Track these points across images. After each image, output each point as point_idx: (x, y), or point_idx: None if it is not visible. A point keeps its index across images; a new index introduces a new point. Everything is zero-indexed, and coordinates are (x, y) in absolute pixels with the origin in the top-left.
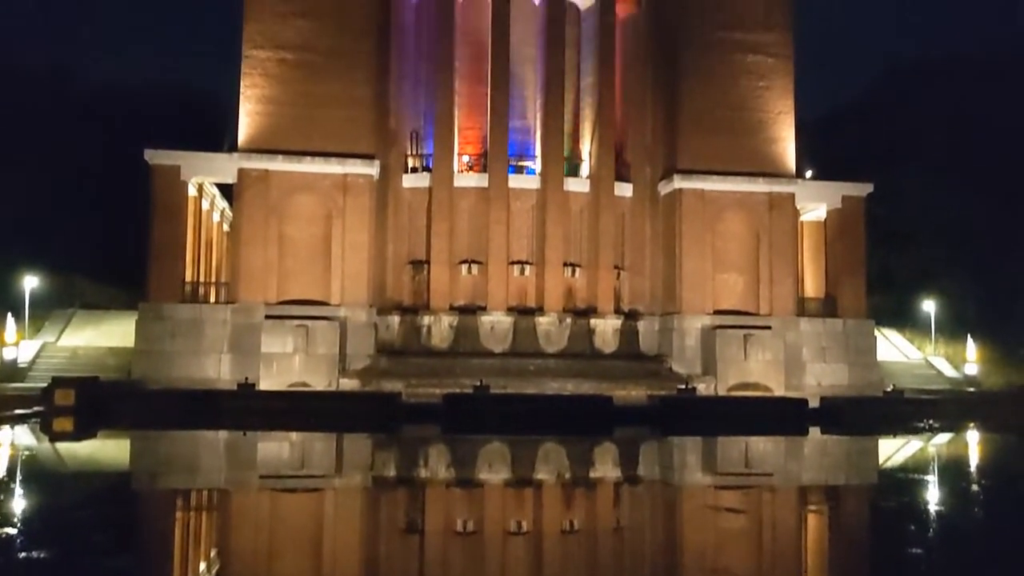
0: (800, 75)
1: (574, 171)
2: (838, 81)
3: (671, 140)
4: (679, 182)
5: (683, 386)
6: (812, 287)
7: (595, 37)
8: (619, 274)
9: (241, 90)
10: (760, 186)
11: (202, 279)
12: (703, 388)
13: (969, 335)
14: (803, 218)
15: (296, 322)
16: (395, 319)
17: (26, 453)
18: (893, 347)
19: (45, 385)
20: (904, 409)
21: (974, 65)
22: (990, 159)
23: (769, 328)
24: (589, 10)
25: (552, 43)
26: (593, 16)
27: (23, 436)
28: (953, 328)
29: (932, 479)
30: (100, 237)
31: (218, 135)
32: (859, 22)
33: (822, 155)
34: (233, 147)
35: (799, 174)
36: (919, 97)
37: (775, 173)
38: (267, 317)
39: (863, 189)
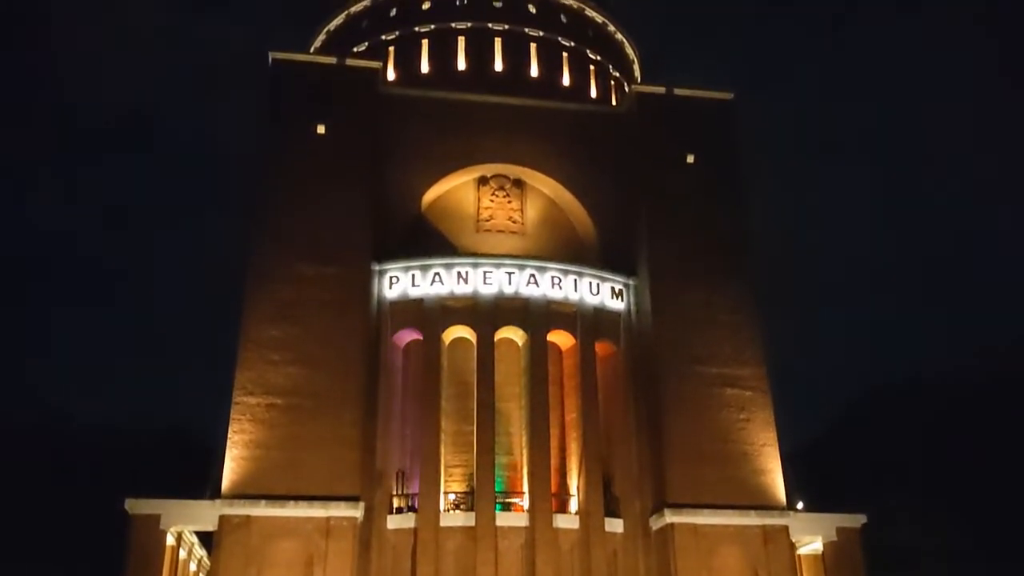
0: (780, 400)
1: (563, 507)
2: (818, 406)
3: (659, 472)
4: (670, 516)
5: None
6: None
7: (576, 374)
8: None
9: (228, 435)
10: (753, 519)
11: None
12: None
13: None
14: (800, 551)
15: None
16: None
17: None
18: None
19: None
20: None
21: (946, 390)
22: (976, 483)
23: None
24: (570, 350)
25: (535, 382)
26: (574, 355)
27: None
28: None
29: None
30: None
31: (201, 478)
32: (830, 351)
33: (810, 483)
34: (216, 493)
35: (790, 505)
36: (897, 421)
37: (766, 505)
38: None
39: (857, 520)
